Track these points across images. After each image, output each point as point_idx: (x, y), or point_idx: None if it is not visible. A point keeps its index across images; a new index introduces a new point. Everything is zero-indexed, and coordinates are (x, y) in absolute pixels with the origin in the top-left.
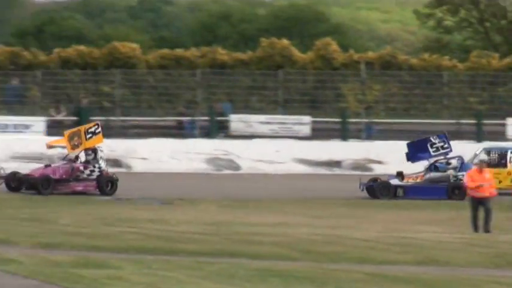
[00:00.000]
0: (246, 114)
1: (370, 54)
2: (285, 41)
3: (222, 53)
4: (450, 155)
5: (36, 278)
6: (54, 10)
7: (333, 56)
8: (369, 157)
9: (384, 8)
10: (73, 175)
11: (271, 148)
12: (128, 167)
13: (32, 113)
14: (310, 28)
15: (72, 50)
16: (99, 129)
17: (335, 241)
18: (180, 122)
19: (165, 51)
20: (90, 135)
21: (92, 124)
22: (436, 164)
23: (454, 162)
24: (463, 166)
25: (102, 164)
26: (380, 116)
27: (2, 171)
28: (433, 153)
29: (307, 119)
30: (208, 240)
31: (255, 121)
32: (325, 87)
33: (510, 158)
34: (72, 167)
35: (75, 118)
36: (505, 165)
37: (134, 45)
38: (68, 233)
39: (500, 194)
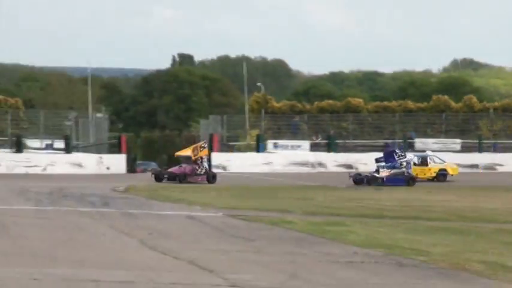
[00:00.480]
0: (423, 138)
1: (496, 103)
2: (446, 97)
3: (410, 104)
4: (404, 159)
5: (304, 232)
6: (315, 79)
7: (473, 105)
8: (494, 162)
9: (504, 76)
10: (194, 172)
11: (441, 157)
12: (356, 168)
13: (302, 138)
14: (460, 89)
15: (325, 103)
16: (206, 145)
17: (475, 210)
18: (386, 144)
19: (378, 103)
20: (202, 149)
21: (202, 142)
22: (395, 164)
23: (404, 164)
24: (409, 166)
25: (206, 165)
26: (502, 139)
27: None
28: (396, 159)
29: (458, 141)
30: (401, 210)
31: (429, 142)
32: (467, 123)
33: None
34: (194, 167)
35: (326, 141)
36: (426, 165)
37: (360, 100)
38: (322, 206)
39: (424, 181)
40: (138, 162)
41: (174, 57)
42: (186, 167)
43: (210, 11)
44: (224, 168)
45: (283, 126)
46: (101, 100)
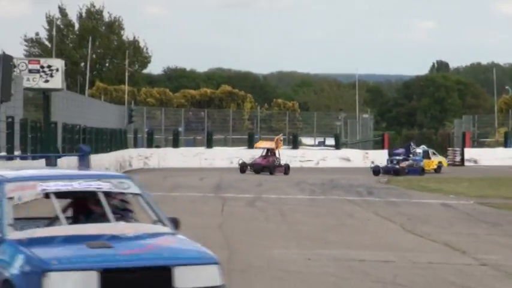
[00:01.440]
0: None
1: None
2: None
3: None
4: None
5: None
6: None
7: None
8: None
9: None
10: (275, 164)
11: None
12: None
13: None
14: None
15: None
16: (282, 139)
17: None
18: None
19: None
20: (280, 141)
21: (280, 135)
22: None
23: (418, 156)
24: (421, 159)
25: (280, 158)
26: None
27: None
28: (411, 151)
29: None
30: None
31: None
32: None
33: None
34: (274, 159)
35: None
36: (429, 158)
37: None
38: None
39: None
40: None
41: (433, 64)
42: (270, 159)
43: (464, 22)
44: (475, 161)
45: None
46: (366, 103)
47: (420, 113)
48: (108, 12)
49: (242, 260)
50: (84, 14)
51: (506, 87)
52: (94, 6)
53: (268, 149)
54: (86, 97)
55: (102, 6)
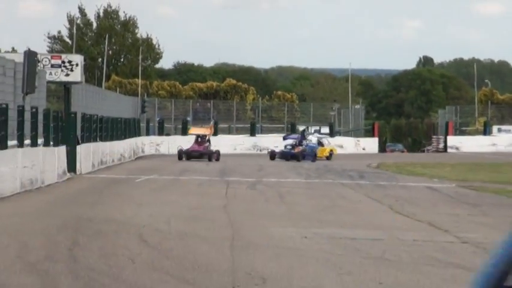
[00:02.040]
0: None
1: None
2: None
3: None
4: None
5: None
6: None
7: None
8: None
9: None
10: (207, 149)
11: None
12: (457, 148)
13: None
14: None
15: None
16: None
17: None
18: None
19: None
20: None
21: (212, 122)
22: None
23: (312, 143)
24: (315, 146)
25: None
26: None
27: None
28: (303, 138)
29: None
30: None
31: None
32: None
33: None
34: (206, 145)
35: None
36: (323, 145)
37: None
38: None
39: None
40: (388, 144)
41: (419, 59)
42: (204, 145)
43: (447, 21)
44: (457, 148)
45: (506, 114)
46: (358, 94)
47: (407, 104)
48: (124, 12)
49: (244, 237)
50: (101, 14)
51: (486, 80)
52: (110, 7)
53: (199, 135)
54: (103, 89)
55: (118, 7)
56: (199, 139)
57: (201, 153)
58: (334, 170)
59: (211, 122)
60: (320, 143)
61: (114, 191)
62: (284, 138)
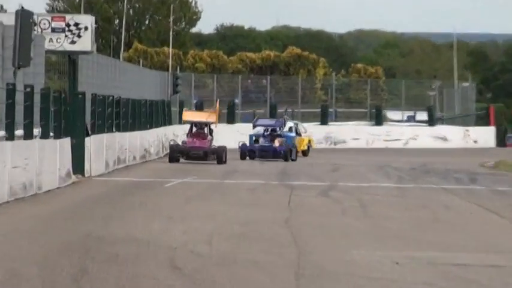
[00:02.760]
0: None
1: None
2: None
3: None
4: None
5: None
6: None
7: None
8: None
9: None
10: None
11: None
12: None
13: None
14: None
15: None
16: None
17: None
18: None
19: None
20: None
21: (218, 102)
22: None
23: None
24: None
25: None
26: None
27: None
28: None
29: None
30: None
31: None
32: None
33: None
34: (208, 141)
35: None
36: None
37: None
38: None
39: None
40: (509, 135)
41: None
42: (207, 139)
43: None
44: None
45: None
46: (467, 68)
47: None
48: None
49: (314, 263)
50: None
51: None
52: None
53: (199, 124)
54: (121, 62)
55: None
56: (198, 129)
57: (205, 151)
58: (434, 170)
59: (217, 103)
60: (296, 132)
61: (136, 199)
62: (254, 126)
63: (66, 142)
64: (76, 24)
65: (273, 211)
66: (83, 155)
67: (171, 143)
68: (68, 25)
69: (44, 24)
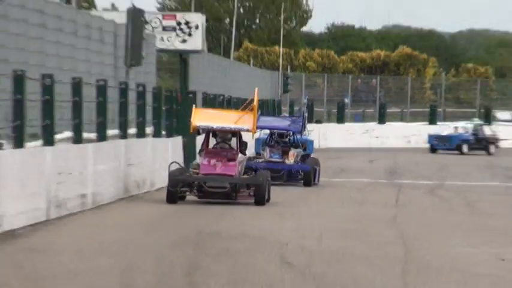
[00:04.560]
0: None
1: None
2: None
3: None
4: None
5: None
6: None
7: None
8: None
9: None
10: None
11: None
12: None
13: None
14: None
15: None
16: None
17: None
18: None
19: None
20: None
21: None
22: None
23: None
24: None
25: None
26: None
27: None
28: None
29: None
30: None
31: None
32: None
33: None
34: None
35: None
36: None
37: None
38: None
39: None
40: None
41: None
42: (230, 163)
43: None
44: None
45: None
46: None
47: None
48: None
49: (420, 259)
50: None
51: None
52: None
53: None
54: (232, 61)
55: None
56: (221, 142)
57: (233, 184)
58: None
59: (255, 93)
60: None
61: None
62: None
63: (177, 141)
64: (187, 23)
65: (380, 208)
66: (194, 153)
67: (171, 168)
68: (179, 24)
69: (155, 22)
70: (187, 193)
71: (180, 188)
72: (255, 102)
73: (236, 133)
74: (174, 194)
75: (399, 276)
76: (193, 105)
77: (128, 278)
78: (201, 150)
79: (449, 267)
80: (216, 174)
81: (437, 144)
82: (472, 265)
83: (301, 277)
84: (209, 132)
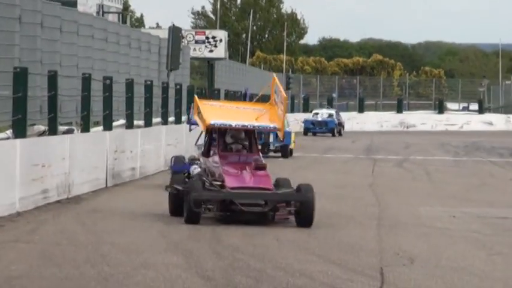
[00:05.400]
0: None
1: None
2: None
3: None
4: None
5: None
6: None
7: None
8: None
9: None
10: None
11: None
12: None
13: None
14: None
15: None
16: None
17: None
18: None
19: None
20: None
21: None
22: None
23: None
24: None
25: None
26: None
27: None
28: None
29: None
30: None
31: None
32: None
33: None
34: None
35: None
36: None
37: None
38: None
39: None
40: None
41: None
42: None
43: None
44: None
45: None
46: (509, 70)
47: None
48: None
49: (391, 216)
50: None
51: None
52: None
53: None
54: (247, 66)
55: None
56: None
57: (272, 201)
58: (483, 147)
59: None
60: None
61: None
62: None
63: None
64: (213, 37)
65: (360, 177)
66: None
67: (172, 166)
68: (207, 38)
69: (189, 37)
70: (209, 211)
71: (195, 208)
72: (272, 94)
73: (251, 132)
74: (197, 214)
75: (375, 229)
76: (195, 96)
77: (167, 231)
78: (206, 151)
79: (414, 223)
80: (248, 188)
81: (313, 127)
82: (431, 221)
83: (300, 231)
84: (224, 131)
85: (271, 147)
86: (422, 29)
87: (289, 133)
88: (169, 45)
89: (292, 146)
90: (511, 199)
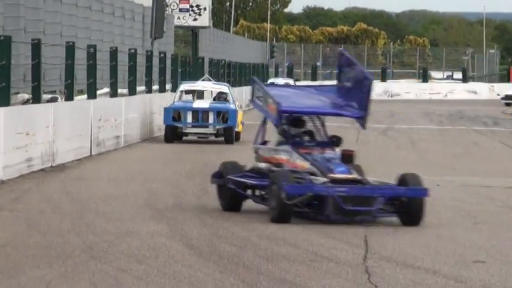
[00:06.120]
0: None
1: None
2: None
3: None
4: None
5: None
6: None
7: None
8: None
9: None
10: None
11: None
12: None
13: None
14: None
15: None
16: None
17: None
18: None
19: None
20: None
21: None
22: None
23: None
24: None
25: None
26: None
27: None
28: None
29: None
30: None
31: None
32: None
33: None
34: None
35: None
36: None
37: None
38: None
39: None
40: None
41: None
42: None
43: None
44: None
45: None
46: (493, 39)
47: None
48: None
49: None
50: None
51: None
52: None
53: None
54: (231, 34)
55: None
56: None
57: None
58: (467, 116)
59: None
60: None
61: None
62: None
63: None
64: (197, 6)
65: (346, 146)
66: None
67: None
68: (191, 6)
69: (173, 5)
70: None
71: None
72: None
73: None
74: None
75: None
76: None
77: (151, 200)
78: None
79: None
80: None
81: None
82: None
83: None
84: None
85: (211, 129)
86: None
87: (235, 111)
88: (153, 14)
89: (239, 128)
90: (495, 168)
